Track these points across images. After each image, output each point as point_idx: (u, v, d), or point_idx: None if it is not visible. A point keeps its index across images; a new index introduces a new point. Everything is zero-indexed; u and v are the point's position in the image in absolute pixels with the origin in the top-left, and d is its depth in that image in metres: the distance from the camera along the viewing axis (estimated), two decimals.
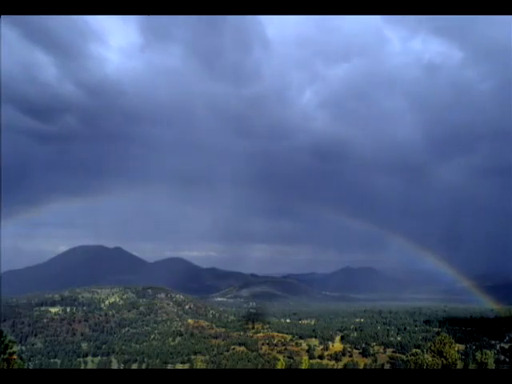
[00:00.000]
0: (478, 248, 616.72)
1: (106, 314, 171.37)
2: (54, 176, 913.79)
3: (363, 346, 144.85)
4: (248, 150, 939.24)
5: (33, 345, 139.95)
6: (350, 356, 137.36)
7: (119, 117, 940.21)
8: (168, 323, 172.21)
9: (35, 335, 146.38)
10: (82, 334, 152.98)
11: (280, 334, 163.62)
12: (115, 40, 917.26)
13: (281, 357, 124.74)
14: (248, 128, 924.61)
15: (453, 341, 35.15)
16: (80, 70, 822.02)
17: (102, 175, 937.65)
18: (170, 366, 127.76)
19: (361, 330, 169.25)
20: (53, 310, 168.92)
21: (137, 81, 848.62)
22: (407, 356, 39.89)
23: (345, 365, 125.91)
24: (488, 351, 38.55)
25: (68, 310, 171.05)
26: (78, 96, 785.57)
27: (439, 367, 31.75)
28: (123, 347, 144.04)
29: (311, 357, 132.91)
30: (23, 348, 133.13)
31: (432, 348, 34.05)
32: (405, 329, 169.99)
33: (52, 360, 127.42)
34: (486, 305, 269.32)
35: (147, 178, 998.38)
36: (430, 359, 32.90)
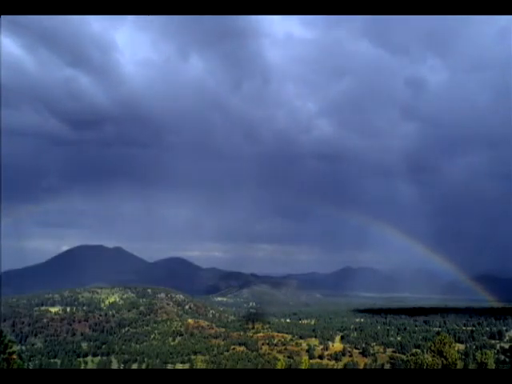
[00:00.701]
0: (479, 247, 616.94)
1: (106, 314, 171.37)
2: (65, 178, 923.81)
3: (363, 345, 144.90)
4: (252, 156, 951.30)
5: (33, 345, 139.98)
6: (350, 356, 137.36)
7: (141, 125, 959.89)
8: (168, 323, 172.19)
9: (35, 335, 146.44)
10: (81, 334, 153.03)
11: (280, 334, 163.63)
12: (139, 53, 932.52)
13: (281, 357, 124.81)
14: (256, 136, 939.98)
15: (453, 341, 35.17)
16: (111, 84, 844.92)
17: (110, 177, 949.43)
18: (170, 366, 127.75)
19: (361, 330, 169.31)
20: (53, 309, 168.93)
21: (161, 93, 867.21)
22: (407, 356, 39.91)
23: (345, 365, 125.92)
24: (488, 351, 38.57)
25: (68, 309, 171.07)
26: (107, 107, 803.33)
27: (439, 367, 31.75)
28: (123, 347, 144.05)
29: (311, 357, 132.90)
30: (23, 348, 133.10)
31: (432, 348, 34.05)
32: (405, 329, 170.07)
33: (52, 360, 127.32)
34: (487, 304, 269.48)
35: (154, 181, 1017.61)
36: (430, 359, 32.90)
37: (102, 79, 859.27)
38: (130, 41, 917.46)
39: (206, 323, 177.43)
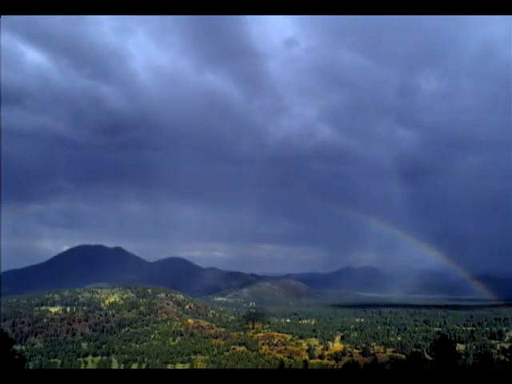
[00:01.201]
0: (480, 248, 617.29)
1: (106, 314, 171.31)
2: (72, 179, 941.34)
3: (363, 345, 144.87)
4: (255, 159, 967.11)
5: (33, 345, 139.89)
6: (350, 356, 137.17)
7: (155, 131, 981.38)
8: (168, 323, 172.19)
9: (35, 335, 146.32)
10: (81, 334, 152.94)
11: (280, 334, 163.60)
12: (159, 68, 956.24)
13: (281, 356, 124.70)
14: (262, 141, 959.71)
15: (453, 341, 35.17)
16: (132, 96, 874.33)
17: (114, 179, 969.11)
18: (170, 366, 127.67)
19: (361, 330, 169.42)
20: (53, 309, 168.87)
21: (174, 100, 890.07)
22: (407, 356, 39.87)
23: (345, 365, 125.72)
24: (488, 351, 38.55)
25: (68, 309, 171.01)
26: (126, 115, 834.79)
27: (439, 367, 31.74)
28: (123, 347, 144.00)
29: (311, 357, 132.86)
30: (23, 348, 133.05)
31: (432, 348, 34.05)
32: (405, 329, 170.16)
33: (52, 360, 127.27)
34: (488, 304, 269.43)
35: (159, 183, 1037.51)
36: (430, 359, 32.91)
37: (125, 91, 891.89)
38: (150, 58, 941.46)
39: (206, 323, 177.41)
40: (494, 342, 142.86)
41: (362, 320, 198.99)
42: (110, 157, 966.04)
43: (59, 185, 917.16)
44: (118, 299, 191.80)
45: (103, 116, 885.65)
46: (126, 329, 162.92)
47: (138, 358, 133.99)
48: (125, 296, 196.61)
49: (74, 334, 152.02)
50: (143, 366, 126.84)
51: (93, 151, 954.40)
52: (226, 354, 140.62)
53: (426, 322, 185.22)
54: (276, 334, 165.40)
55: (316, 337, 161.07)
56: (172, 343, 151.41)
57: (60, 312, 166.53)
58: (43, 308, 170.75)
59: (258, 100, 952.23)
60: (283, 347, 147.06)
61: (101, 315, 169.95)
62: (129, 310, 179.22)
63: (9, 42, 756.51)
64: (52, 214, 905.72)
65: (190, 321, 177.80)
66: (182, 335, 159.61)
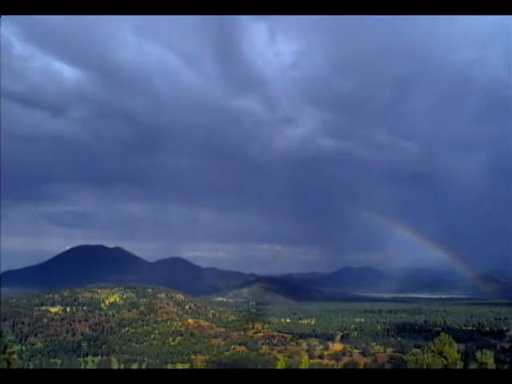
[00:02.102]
0: (481, 248, 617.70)
1: (106, 314, 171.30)
2: (77, 181, 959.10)
3: (363, 345, 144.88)
4: (258, 162, 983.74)
5: (33, 345, 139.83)
6: (350, 356, 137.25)
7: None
8: (168, 323, 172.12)
9: (35, 335, 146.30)
10: (82, 334, 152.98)
11: (280, 334, 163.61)
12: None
13: (281, 357, 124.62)
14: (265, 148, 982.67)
15: (453, 341, 35.10)
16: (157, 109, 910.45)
17: (125, 182, 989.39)
18: (170, 366, 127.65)
19: (361, 330, 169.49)
20: (53, 309, 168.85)
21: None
22: (407, 356, 39.85)
23: (345, 365, 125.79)
24: (488, 351, 38.48)
25: (68, 309, 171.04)
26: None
27: (439, 367, 31.74)
28: (123, 347, 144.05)
29: (311, 357, 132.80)
30: (23, 348, 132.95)
31: (432, 348, 34.03)
32: (405, 329, 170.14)
33: (52, 360, 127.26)
34: (488, 304, 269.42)
35: (160, 184, 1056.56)
36: (430, 359, 32.89)
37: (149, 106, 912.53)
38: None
39: (206, 323, 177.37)
40: (494, 341, 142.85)
41: (362, 320, 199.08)
42: (119, 161, 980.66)
43: (67, 186, 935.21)
44: (118, 299, 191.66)
45: (120, 124, 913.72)
46: (126, 329, 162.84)
47: (138, 357, 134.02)
48: (125, 296, 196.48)
49: (74, 334, 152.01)
50: (143, 366, 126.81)
51: (107, 157, 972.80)
52: (226, 353, 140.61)
53: (425, 322, 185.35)
54: (276, 333, 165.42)
55: (316, 337, 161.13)
56: (172, 343, 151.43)
57: (60, 312, 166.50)
58: (43, 308, 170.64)
59: (267, 114, 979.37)
60: (283, 347, 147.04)
61: (101, 315, 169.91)
62: (129, 310, 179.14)
63: (44, 60, 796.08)
64: (55, 215, 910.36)
65: (190, 321, 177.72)
66: (182, 335, 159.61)
